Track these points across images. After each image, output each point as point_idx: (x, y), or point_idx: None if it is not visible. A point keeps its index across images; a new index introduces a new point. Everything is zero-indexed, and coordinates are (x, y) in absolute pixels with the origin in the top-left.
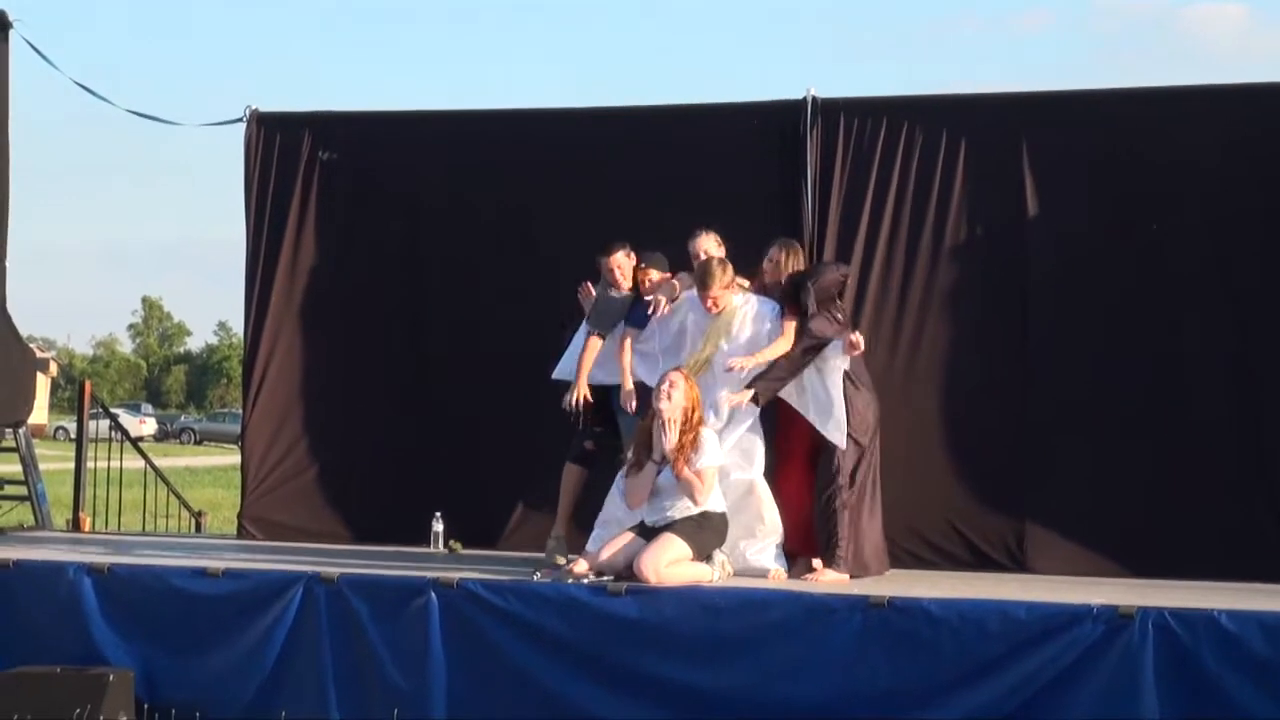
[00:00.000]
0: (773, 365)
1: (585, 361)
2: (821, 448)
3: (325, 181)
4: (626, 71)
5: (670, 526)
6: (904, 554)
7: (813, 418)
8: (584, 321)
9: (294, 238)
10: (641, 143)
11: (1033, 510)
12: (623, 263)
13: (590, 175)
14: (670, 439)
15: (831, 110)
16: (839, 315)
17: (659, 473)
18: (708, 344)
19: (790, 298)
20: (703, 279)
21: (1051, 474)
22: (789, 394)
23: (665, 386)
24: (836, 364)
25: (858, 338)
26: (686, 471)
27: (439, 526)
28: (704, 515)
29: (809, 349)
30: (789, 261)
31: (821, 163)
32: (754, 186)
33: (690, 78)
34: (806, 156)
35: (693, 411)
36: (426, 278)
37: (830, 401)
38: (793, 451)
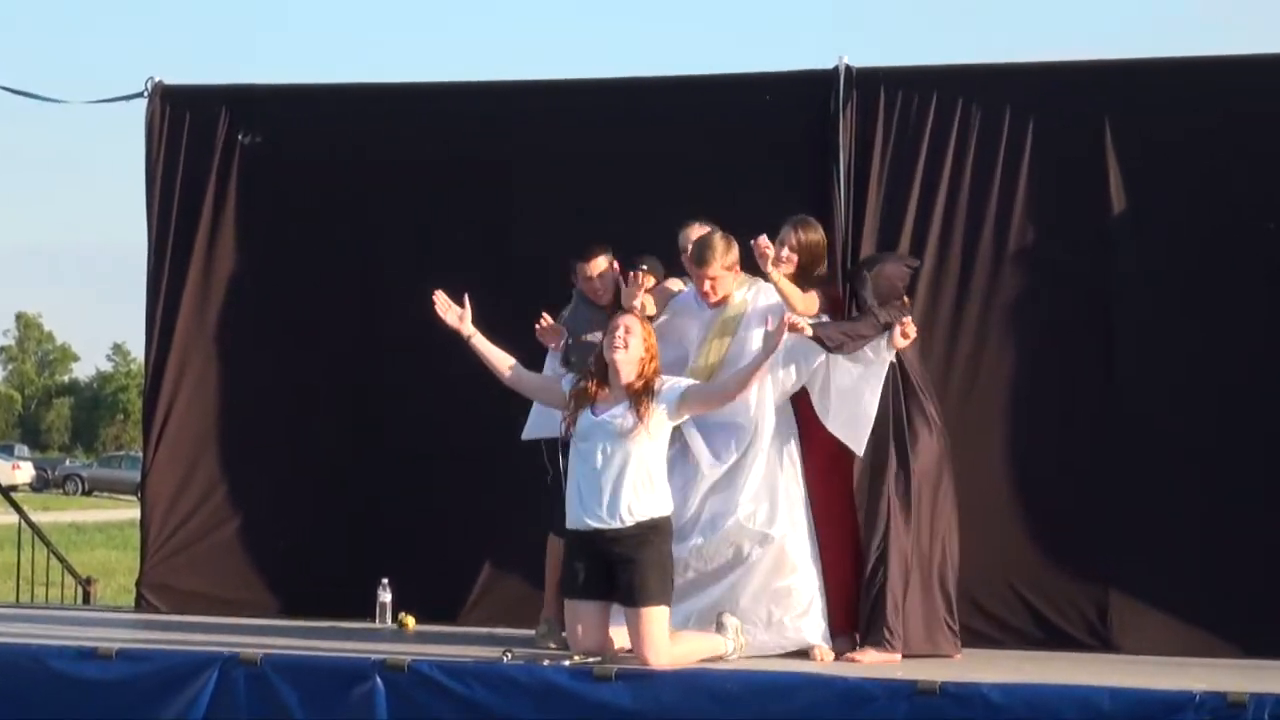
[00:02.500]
0: (833, 323)
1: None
2: (862, 484)
3: (247, 171)
4: (622, 38)
5: (630, 574)
6: (961, 629)
7: (830, 421)
8: (552, 361)
9: (207, 241)
10: (640, 122)
11: (1119, 575)
12: (605, 271)
13: (579, 162)
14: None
15: (869, 82)
16: (897, 307)
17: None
18: (711, 347)
19: (805, 280)
20: (701, 255)
21: (1143, 529)
22: (813, 391)
23: (620, 333)
24: (882, 356)
25: (909, 323)
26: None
27: (386, 596)
28: (653, 527)
29: (873, 327)
30: (807, 238)
31: (857, 146)
32: (774, 175)
33: (697, 45)
34: (839, 138)
35: (650, 362)
36: (375, 291)
37: (864, 401)
38: (814, 491)
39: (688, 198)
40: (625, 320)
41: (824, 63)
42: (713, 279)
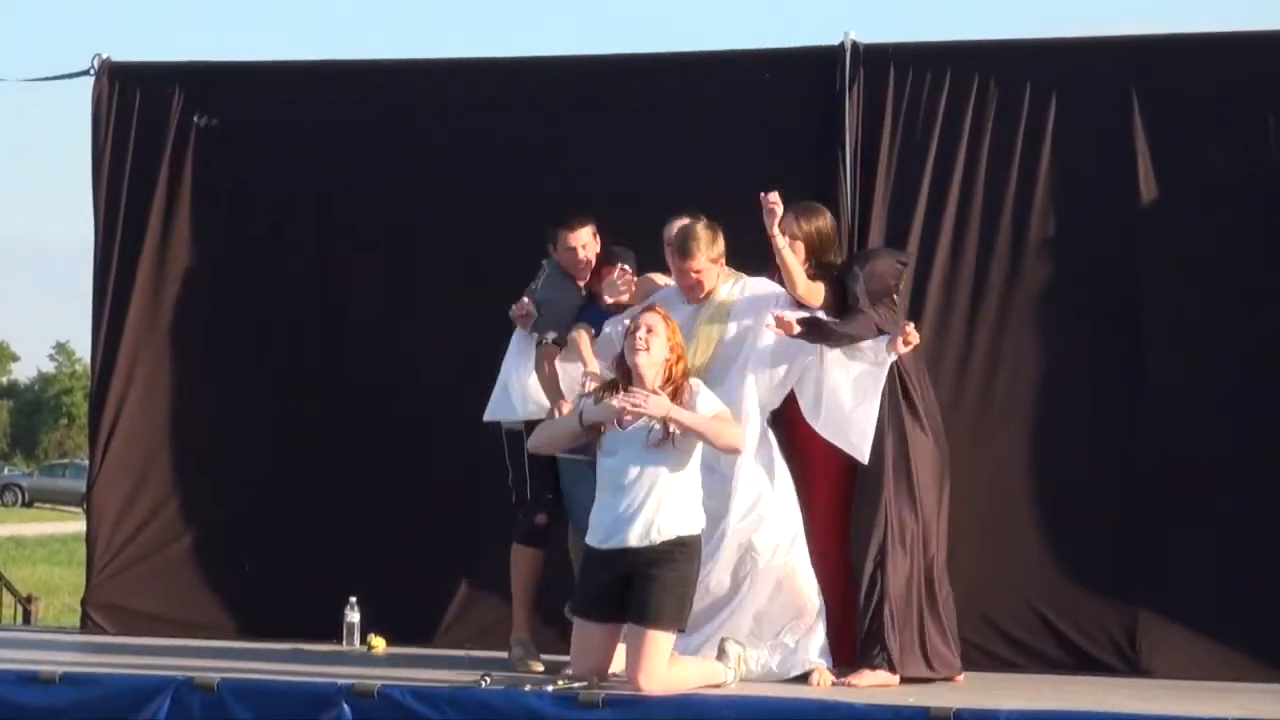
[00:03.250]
0: (827, 320)
1: (551, 376)
2: (857, 497)
3: (204, 156)
4: (607, 9)
5: (646, 591)
6: (975, 651)
7: (820, 426)
8: (515, 337)
9: (160, 232)
10: (626, 103)
11: (1149, 593)
12: (589, 243)
13: (560, 146)
14: (645, 405)
15: (877, 59)
16: (891, 310)
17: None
18: (697, 347)
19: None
20: (684, 245)
21: (1176, 544)
22: (803, 395)
23: (641, 333)
24: (881, 358)
25: (911, 329)
26: (697, 419)
27: (354, 616)
28: (680, 544)
29: (865, 328)
30: (812, 224)
31: (864, 128)
32: (773, 162)
33: (688, 19)
34: (845, 120)
35: (676, 363)
36: (341, 285)
37: (860, 409)
38: (812, 499)
39: (677, 186)
40: (647, 318)
41: (828, 39)
42: (698, 272)
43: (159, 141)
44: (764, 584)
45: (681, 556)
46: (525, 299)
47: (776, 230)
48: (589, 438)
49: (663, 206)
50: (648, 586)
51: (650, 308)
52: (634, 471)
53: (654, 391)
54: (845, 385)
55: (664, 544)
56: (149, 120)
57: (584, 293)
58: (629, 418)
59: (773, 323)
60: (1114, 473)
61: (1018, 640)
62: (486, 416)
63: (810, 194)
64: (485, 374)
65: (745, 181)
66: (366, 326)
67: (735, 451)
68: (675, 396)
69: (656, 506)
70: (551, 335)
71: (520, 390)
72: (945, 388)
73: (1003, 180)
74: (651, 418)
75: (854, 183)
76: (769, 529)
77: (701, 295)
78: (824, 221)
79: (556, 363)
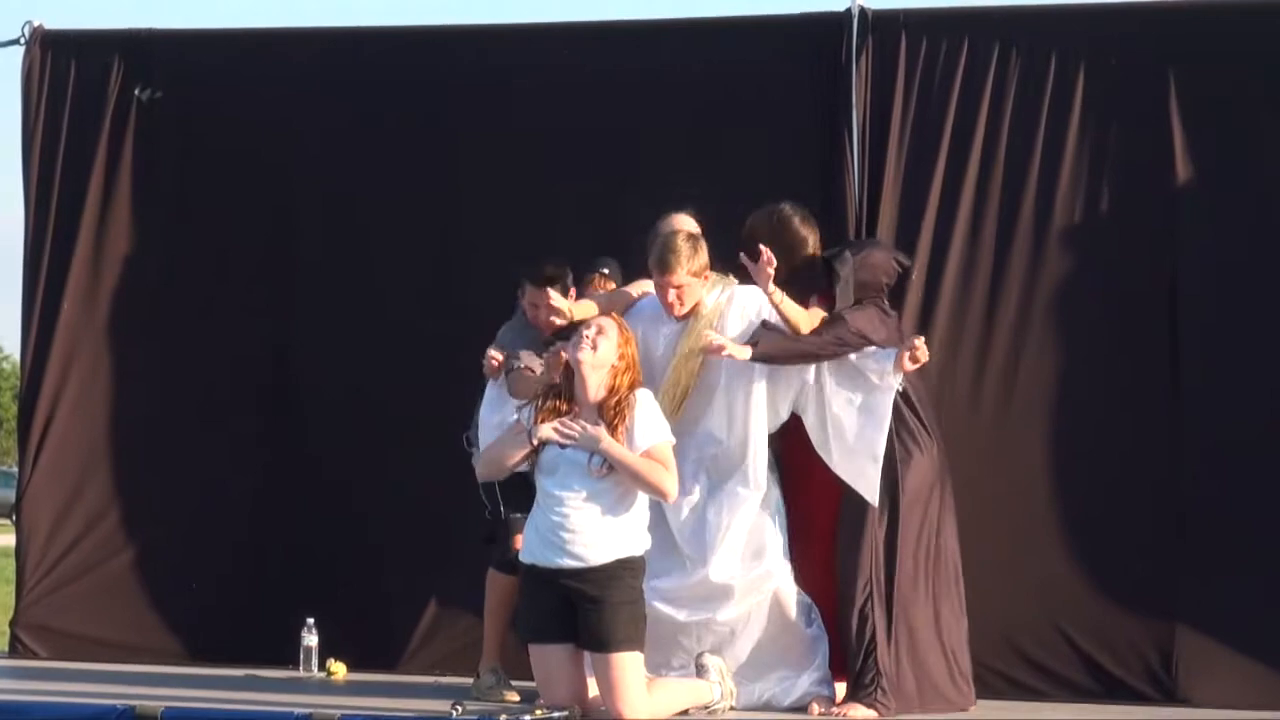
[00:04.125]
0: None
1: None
2: (842, 524)
3: (145, 133)
4: None
5: (596, 616)
6: (995, 677)
7: (835, 462)
8: (490, 387)
9: (97, 216)
10: (610, 75)
11: (1187, 613)
12: (560, 305)
13: (539, 123)
14: (577, 437)
15: (888, 26)
16: (889, 314)
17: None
18: (680, 369)
19: (811, 281)
20: (662, 260)
21: (1216, 560)
22: (807, 421)
23: (590, 332)
24: (887, 382)
25: (920, 345)
26: (629, 459)
27: (312, 640)
28: (623, 565)
29: (839, 343)
30: (802, 234)
31: (873, 103)
32: (774, 139)
33: None
34: (852, 94)
35: (624, 372)
36: (298, 276)
37: (866, 438)
38: (813, 522)
39: (666, 170)
40: (600, 321)
41: (833, 4)
42: (678, 288)
43: (97, 117)
44: (761, 614)
45: (627, 575)
46: (493, 351)
47: (771, 289)
48: (533, 460)
49: (651, 191)
50: (595, 612)
51: (606, 314)
52: (574, 491)
53: (590, 418)
54: (850, 415)
55: (604, 565)
56: (86, 94)
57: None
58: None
59: (712, 342)
60: (1148, 480)
61: (1042, 665)
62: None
63: (813, 176)
64: (456, 376)
65: (744, 161)
66: (325, 323)
67: (661, 497)
68: (617, 408)
69: (596, 528)
70: (519, 364)
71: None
72: (961, 389)
73: (1025, 160)
74: (584, 449)
75: (862, 163)
76: (768, 558)
77: (684, 311)
78: (796, 231)
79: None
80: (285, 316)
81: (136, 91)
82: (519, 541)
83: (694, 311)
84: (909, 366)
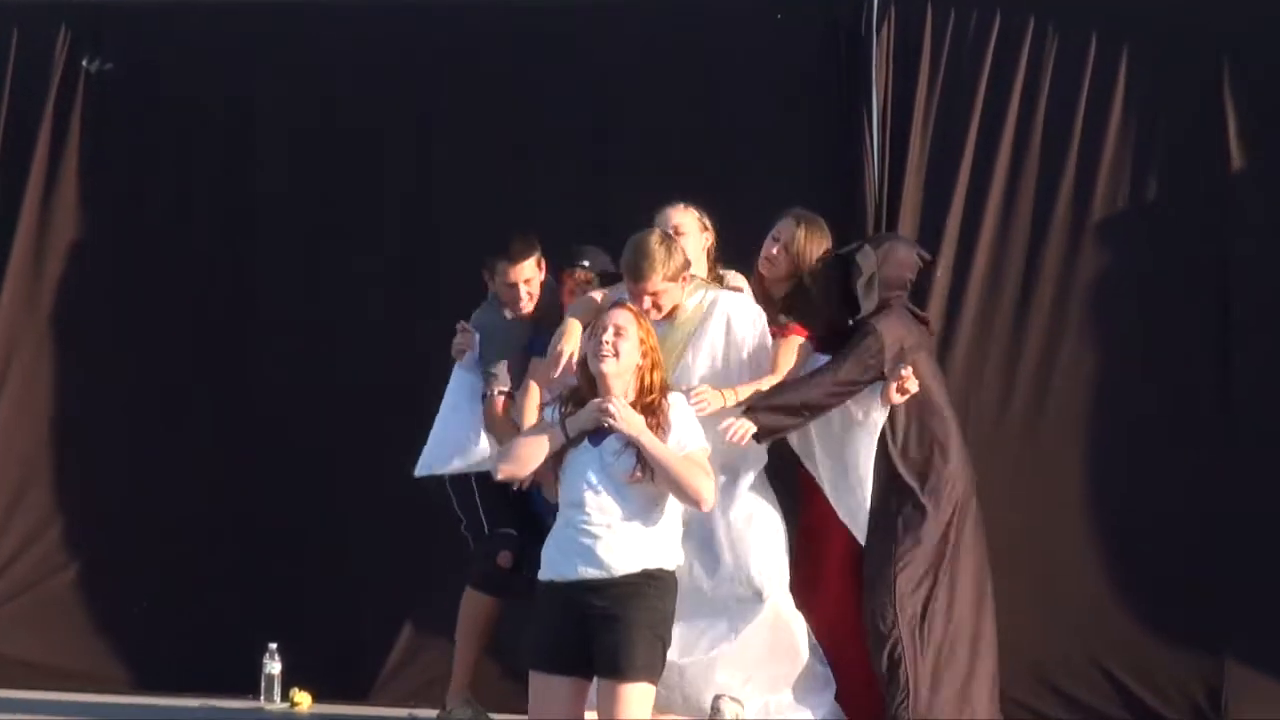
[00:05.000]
0: (784, 385)
1: (504, 435)
2: (866, 551)
3: (94, 108)
4: None
5: (614, 635)
6: (1026, 715)
7: (827, 490)
8: (457, 369)
9: (40, 199)
10: (605, 50)
11: (1236, 643)
12: (532, 276)
13: (527, 102)
14: (621, 415)
15: (911, 1)
16: (919, 319)
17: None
18: (667, 355)
19: (806, 304)
20: (635, 267)
21: (1271, 589)
22: (802, 450)
23: (608, 335)
24: (871, 420)
25: (909, 375)
26: (669, 456)
27: (275, 667)
28: (649, 578)
29: (847, 387)
30: (808, 245)
31: (895, 82)
32: (786, 122)
33: None
34: (871, 73)
35: (651, 371)
36: (260, 265)
37: (849, 477)
38: (825, 547)
39: (668, 155)
40: (616, 317)
41: None
42: (654, 294)
43: (40, 90)
44: (760, 635)
45: (652, 591)
46: (463, 325)
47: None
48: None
49: (653, 178)
50: (612, 630)
51: (620, 304)
52: (600, 495)
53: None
54: (834, 445)
55: (629, 576)
56: (28, 65)
57: (529, 327)
58: (605, 422)
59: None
60: (1196, 499)
61: (1077, 700)
62: (420, 471)
63: (830, 161)
64: (430, 375)
65: (753, 145)
66: (290, 319)
67: (697, 504)
68: (651, 411)
69: (623, 535)
70: (499, 387)
71: (461, 435)
72: (988, 397)
73: (1062, 146)
74: (619, 433)
75: (882, 148)
76: (767, 577)
77: (660, 316)
78: (822, 243)
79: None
80: (247, 311)
81: (84, 63)
82: (504, 558)
83: (672, 315)
84: (896, 399)
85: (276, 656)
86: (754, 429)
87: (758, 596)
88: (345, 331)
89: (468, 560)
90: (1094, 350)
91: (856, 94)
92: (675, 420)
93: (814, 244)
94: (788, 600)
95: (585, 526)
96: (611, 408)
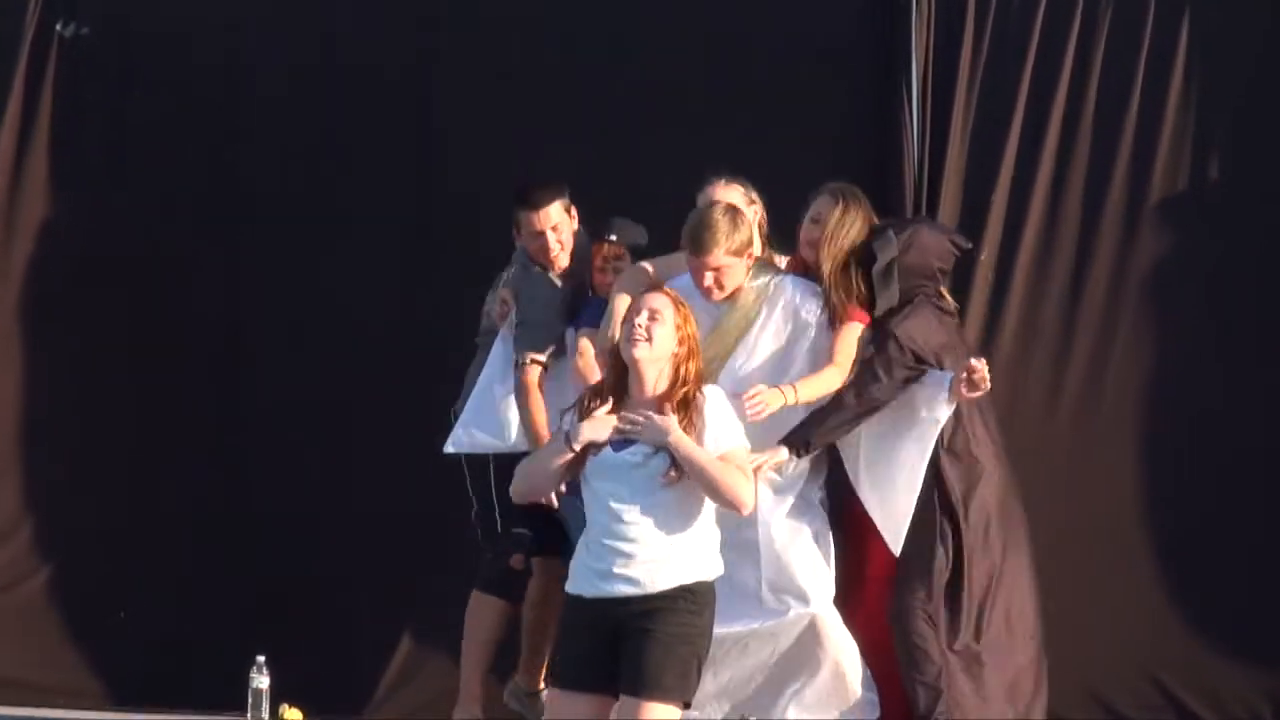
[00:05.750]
0: (832, 402)
1: (535, 409)
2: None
3: (68, 76)
4: None
5: (642, 650)
6: None
7: (864, 495)
8: (500, 341)
9: (10, 174)
10: (628, 21)
11: None
12: (560, 222)
13: (543, 71)
14: (645, 426)
15: None
16: (947, 313)
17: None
18: (717, 358)
19: (848, 285)
20: (697, 239)
21: None
22: (846, 457)
23: (642, 319)
24: (935, 414)
25: (981, 368)
26: (705, 459)
27: (263, 681)
28: (687, 593)
29: (896, 376)
30: (846, 223)
31: (934, 53)
32: (819, 95)
33: None
34: (911, 39)
35: (688, 360)
36: (248, 249)
37: (898, 480)
38: (865, 554)
39: (697, 126)
40: (651, 301)
41: None
42: (716, 270)
43: (10, 56)
44: (795, 651)
45: (687, 606)
46: (504, 293)
47: (766, 415)
48: (578, 471)
49: (681, 154)
50: (642, 645)
51: (658, 287)
52: (629, 504)
53: (653, 412)
54: (882, 444)
55: (664, 592)
56: None
57: (568, 287)
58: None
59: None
60: (1258, 502)
61: (1129, 717)
62: (451, 447)
63: (866, 133)
64: (433, 376)
65: (784, 121)
66: (280, 305)
67: (737, 508)
68: (685, 405)
69: (658, 547)
70: (531, 355)
71: (502, 411)
72: (1035, 395)
73: (1117, 119)
74: (650, 444)
75: (922, 120)
76: (806, 582)
77: (722, 296)
78: (862, 223)
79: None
80: (233, 295)
81: (59, 26)
82: (517, 560)
83: (733, 297)
84: (967, 395)
85: (264, 669)
86: (786, 451)
87: (801, 612)
88: (343, 319)
89: (475, 560)
90: (1152, 345)
91: (894, 63)
92: (711, 416)
93: (858, 220)
94: (835, 619)
95: (618, 540)
96: (629, 425)
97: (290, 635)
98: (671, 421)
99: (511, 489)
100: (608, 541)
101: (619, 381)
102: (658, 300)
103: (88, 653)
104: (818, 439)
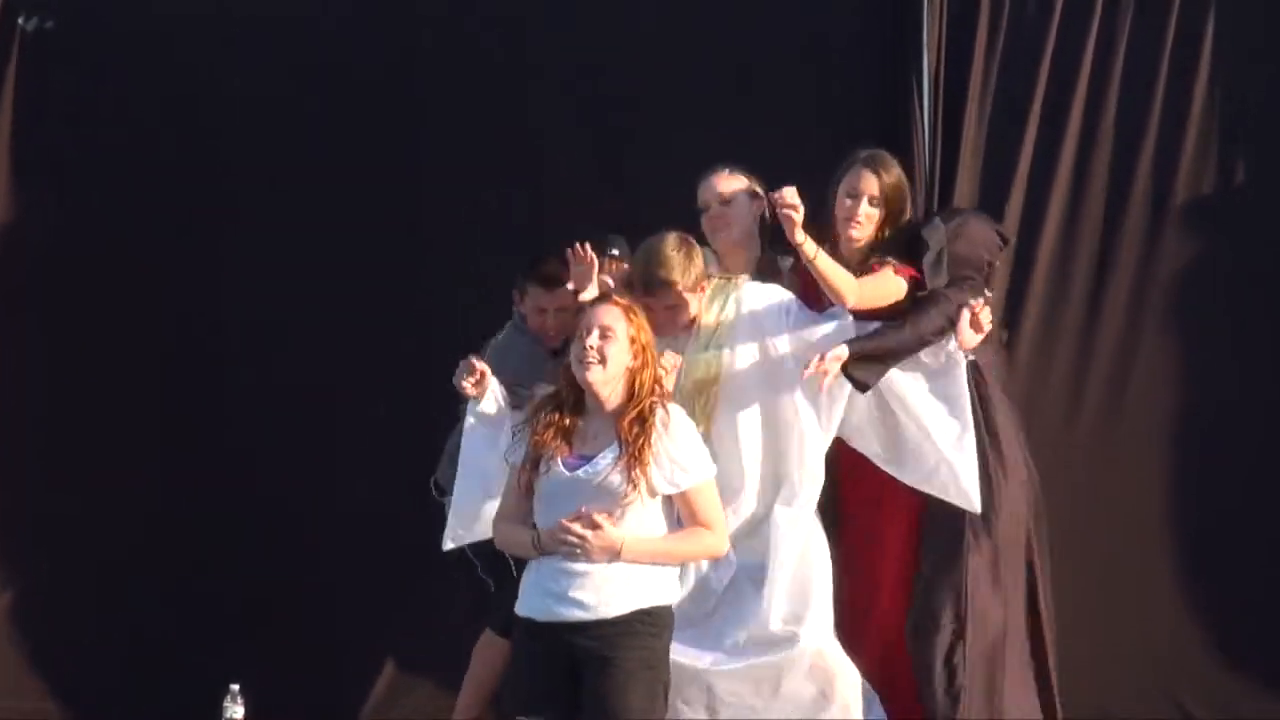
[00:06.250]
0: (870, 334)
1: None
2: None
3: (31, 71)
4: None
5: (603, 680)
6: None
7: (911, 476)
8: (471, 425)
9: None
10: (626, 10)
11: None
12: (568, 306)
13: (538, 61)
14: (588, 539)
15: None
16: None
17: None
18: (701, 362)
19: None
20: (648, 278)
21: None
22: (861, 441)
23: (592, 339)
24: (952, 359)
25: (980, 306)
26: (666, 547)
27: (238, 711)
28: (645, 615)
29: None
30: (896, 184)
31: (947, 46)
32: (826, 89)
33: None
34: (923, 34)
35: (642, 370)
36: (222, 250)
37: (944, 434)
38: (885, 547)
39: (707, 125)
40: (600, 315)
41: None
42: (670, 308)
43: None
44: (798, 683)
45: (645, 630)
46: (474, 361)
47: (800, 236)
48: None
49: (688, 148)
50: (604, 677)
51: (605, 298)
52: (581, 525)
53: (596, 519)
54: (915, 412)
55: (620, 617)
56: None
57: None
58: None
59: (811, 368)
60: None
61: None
62: (448, 544)
63: (875, 129)
64: (420, 380)
65: (791, 114)
66: (256, 305)
67: (714, 560)
68: (642, 426)
69: (612, 568)
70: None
71: (486, 514)
72: (1055, 401)
73: (1140, 115)
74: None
75: (934, 117)
76: (805, 607)
77: (684, 326)
78: (898, 174)
79: None
80: (207, 299)
81: (20, 20)
82: None
83: (695, 324)
84: (969, 339)
85: (239, 699)
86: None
87: (794, 641)
88: (324, 319)
89: (487, 603)
90: (1176, 349)
91: (905, 57)
92: (673, 442)
93: (893, 172)
94: (835, 647)
95: (569, 561)
96: (572, 541)
97: (267, 661)
98: (615, 535)
99: (495, 539)
100: (560, 564)
101: (577, 399)
102: (608, 315)
103: (52, 679)
104: (872, 346)
